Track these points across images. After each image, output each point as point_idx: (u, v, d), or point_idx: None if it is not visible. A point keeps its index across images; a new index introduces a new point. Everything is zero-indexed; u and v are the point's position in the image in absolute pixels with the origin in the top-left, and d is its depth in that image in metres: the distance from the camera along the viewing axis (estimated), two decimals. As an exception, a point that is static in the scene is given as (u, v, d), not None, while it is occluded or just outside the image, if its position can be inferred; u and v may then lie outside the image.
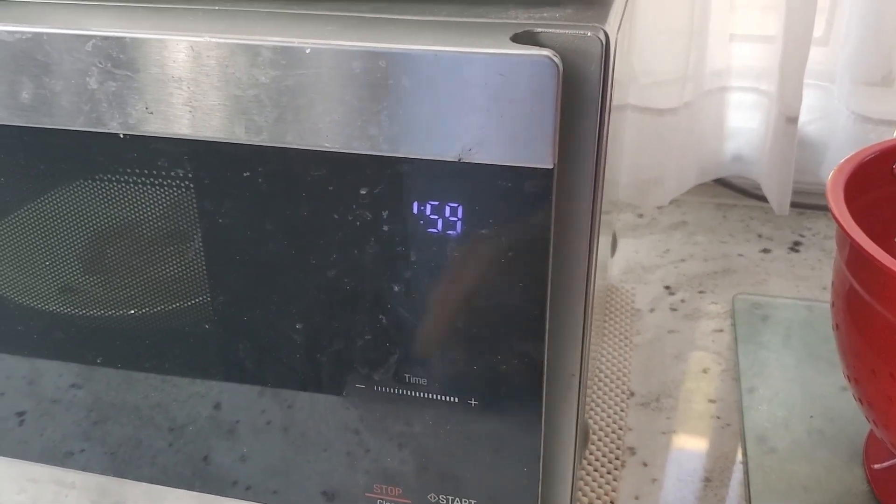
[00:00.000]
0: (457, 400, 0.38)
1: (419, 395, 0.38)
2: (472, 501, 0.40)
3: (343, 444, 0.41)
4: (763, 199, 0.77)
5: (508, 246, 0.34)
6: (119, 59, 0.34)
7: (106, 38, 0.34)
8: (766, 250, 0.75)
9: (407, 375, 0.38)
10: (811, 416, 0.55)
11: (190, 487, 0.47)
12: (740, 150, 0.76)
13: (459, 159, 0.33)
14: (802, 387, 0.58)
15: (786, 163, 0.70)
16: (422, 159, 0.33)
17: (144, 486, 0.46)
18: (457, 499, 0.40)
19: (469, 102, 0.32)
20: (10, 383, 0.47)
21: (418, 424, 0.39)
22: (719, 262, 0.74)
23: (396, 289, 0.36)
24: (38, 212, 0.40)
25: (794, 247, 0.76)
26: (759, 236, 0.77)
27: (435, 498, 0.41)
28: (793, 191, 0.74)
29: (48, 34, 0.34)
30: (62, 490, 0.47)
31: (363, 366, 0.38)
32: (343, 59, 0.32)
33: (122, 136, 0.36)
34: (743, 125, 0.76)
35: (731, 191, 0.82)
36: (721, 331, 0.65)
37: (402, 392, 0.38)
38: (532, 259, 0.34)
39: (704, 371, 0.61)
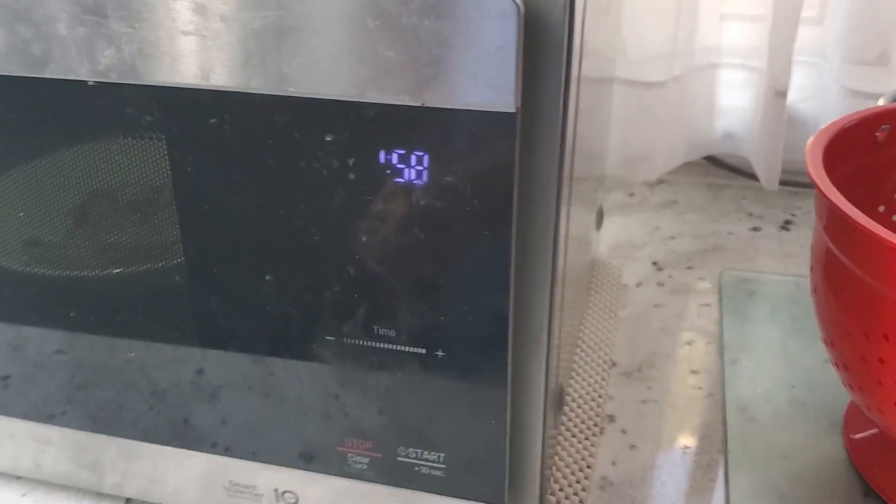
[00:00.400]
0: (424, 352, 0.38)
1: (388, 346, 0.38)
2: (442, 455, 0.40)
3: (317, 400, 0.41)
4: (755, 178, 0.77)
5: (473, 193, 0.34)
6: (87, 4, 0.34)
7: (74, -18, 0.34)
8: (756, 229, 0.75)
9: (375, 327, 0.38)
10: (793, 387, 0.55)
11: (168, 444, 0.47)
12: (730, 127, 0.76)
13: (423, 104, 0.33)
14: (786, 359, 0.58)
15: (775, 137, 0.70)
16: (386, 104, 0.33)
17: (121, 442, 0.46)
18: (426, 452, 0.40)
19: (434, 46, 0.32)
20: None
21: (388, 377, 0.39)
22: (709, 240, 0.74)
23: (364, 239, 0.36)
24: (9, 167, 0.40)
25: (785, 225, 0.75)
26: (750, 215, 0.77)
27: (405, 451, 0.41)
28: (785, 170, 0.74)
29: (17, -21, 0.35)
30: (40, 446, 0.48)
31: (332, 318, 0.38)
32: (306, 1, 0.32)
33: (91, 83, 0.36)
34: (733, 103, 0.76)
35: (723, 169, 0.81)
36: (708, 305, 0.65)
37: (371, 344, 0.38)
38: (496, 207, 0.34)
39: (689, 343, 0.61)
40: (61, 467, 0.49)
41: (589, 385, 0.55)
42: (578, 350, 0.58)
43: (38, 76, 0.36)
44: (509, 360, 0.37)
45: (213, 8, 0.33)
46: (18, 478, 0.50)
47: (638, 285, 0.67)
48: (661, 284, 0.67)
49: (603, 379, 0.56)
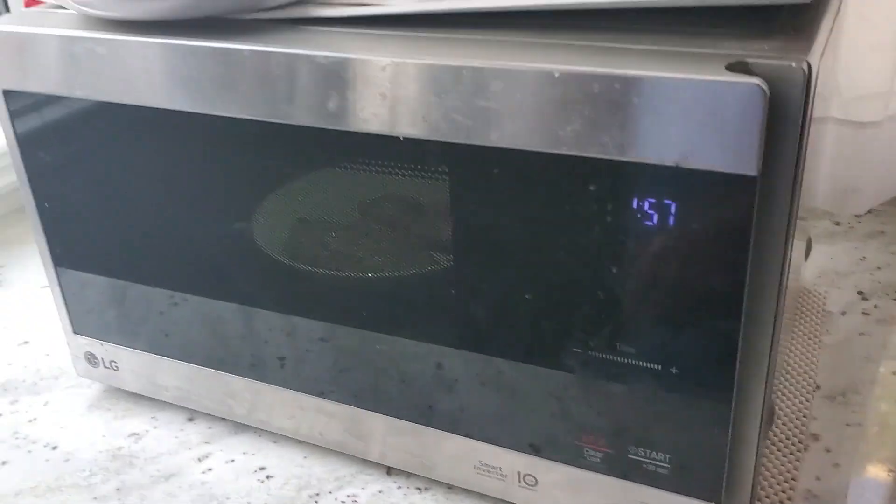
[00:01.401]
0: (660, 368, 0.45)
1: (627, 361, 0.46)
2: (667, 455, 0.47)
3: (560, 400, 0.49)
4: (969, 212, 0.77)
5: (715, 239, 0.41)
6: (405, 78, 0.44)
7: (398, 63, 0.44)
8: (968, 263, 0.76)
9: (618, 344, 0.46)
10: None
11: (421, 424, 0.56)
12: (946, 164, 0.77)
13: (677, 164, 0.40)
14: None
15: None
16: (645, 163, 0.41)
17: (388, 419, 0.56)
18: (653, 452, 0.47)
19: (688, 118, 0.39)
20: (272, 334, 0.59)
21: (624, 387, 0.46)
22: (917, 273, 0.75)
23: (615, 270, 0.44)
24: (326, 192, 0.51)
25: None
26: (962, 249, 0.78)
27: (635, 450, 0.48)
28: None
29: (353, 59, 0.45)
30: (322, 417, 0.58)
31: (581, 333, 0.46)
32: (585, 81, 0.40)
33: (401, 138, 0.46)
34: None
35: (935, 203, 0.82)
36: (914, 337, 0.67)
37: (613, 358, 0.46)
38: (734, 252, 0.41)
39: (894, 373, 0.64)
40: (337, 436, 0.59)
41: (794, 405, 0.60)
42: (784, 372, 0.63)
43: (360, 131, 0.47)
44: (736, 380, 0.44)
45: (510, 84, 0.42)
46: (300, 442, 0.62)
47: (843, 313, 0.71)
48: (866, 314, 0.71)
49: (807, 400, 0.61)
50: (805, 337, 0.67)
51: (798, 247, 0.60)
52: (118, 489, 0.58)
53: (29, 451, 0.62)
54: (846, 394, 0.62)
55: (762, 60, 0.38)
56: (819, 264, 0.77)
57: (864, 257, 0.78)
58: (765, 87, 0.37)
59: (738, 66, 0.39)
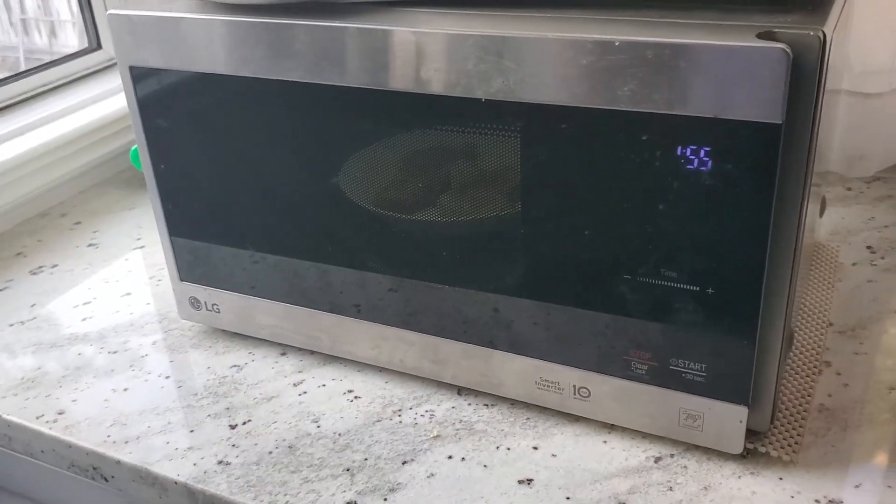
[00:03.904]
0: (698, 289, 0.54)
1: (670, 284, 0.55)
2: (704, 365, 0.56)
3: (611, 321, 0.58)
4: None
5: (747, 177, 0.50)
6: (488, 48, 0.53)
7: (483, 35, 0.53)
8: (966, 222, 0.85)
9: (662, 270, 0.55)
10: None
11: (487, 347, 0.65)
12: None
13: (715, 116, 0.49)
14: None
15: None
16: (688, 115, 0.50)
17: (460, 345, 0.65)
18: (692, 362, 0.57)
19: (725, 78, 0.48)
20: (346, 286, 0.68)
21: (668, 306, 0.56)
22: (921, 230, 0.84)
23: (661, 207, 0.53)
24: (408, 148, 0.60)
25: None
26: (962, 210, 0.87)
27: (675, 361, 0.57)
28: None
29: (443, 34, 0.54)
30: (402, 346, 0.68)
31: (632, 262, 0.55)
32: (641, 49, 0.49)
33: (483, 100, 0.55)
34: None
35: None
36: (916, 283, 0.76)
37: (658, 282, 0.55)
38: (763, 188, 0.50)
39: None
40: (415, 362, 0.69)
41: (810, 338, 0.69)
42: (801, 311, 0.72)
43: (446, 95, 0.56)
44: (762, 300, 0.53)
45: (571, 53, 0.51)
46: (382, 369, 0.71)
47: (853, 264, 0.80)
48: (873, 264, 0.79)
49: (822, 334, 0.70)
50: (820, 283, 0.76)
51: (813, 205, 0.69)
52: (227, 409, 0.68)
53: (145, 381, 0.72)
54: (855, 329, 0.71)
55: (786, 30, 0.48)
56: (832, 223, 0.86)
57: (873, 217, 0.87)
58: (788, 50, 0.46)
59: (766, 35, 0.48)
